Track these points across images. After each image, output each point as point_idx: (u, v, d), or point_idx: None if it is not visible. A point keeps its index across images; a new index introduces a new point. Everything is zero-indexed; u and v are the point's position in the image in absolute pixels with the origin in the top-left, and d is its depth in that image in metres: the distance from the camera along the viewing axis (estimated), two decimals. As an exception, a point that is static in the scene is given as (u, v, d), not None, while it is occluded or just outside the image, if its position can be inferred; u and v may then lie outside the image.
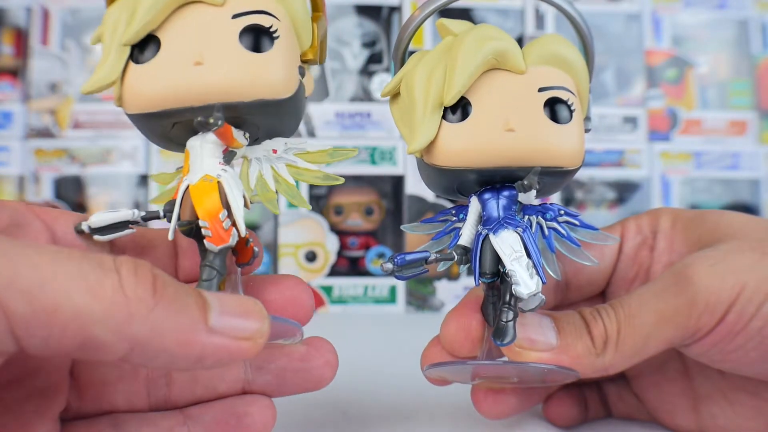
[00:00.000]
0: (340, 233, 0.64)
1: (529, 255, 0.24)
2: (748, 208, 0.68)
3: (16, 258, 0.16)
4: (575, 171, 0.25)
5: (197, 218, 0.22)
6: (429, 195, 0.64)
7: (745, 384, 0.25)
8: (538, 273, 0.24)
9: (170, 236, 0.22)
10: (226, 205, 0.22)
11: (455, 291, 0.64)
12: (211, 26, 0.22)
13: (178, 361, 0.17)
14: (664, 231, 0.28)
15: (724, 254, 0.23)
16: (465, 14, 0.67)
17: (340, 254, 0.64)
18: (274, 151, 0.24)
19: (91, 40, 0.23)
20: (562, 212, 0.26)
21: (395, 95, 0.26)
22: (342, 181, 0.24)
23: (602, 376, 0.31)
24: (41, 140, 0.64)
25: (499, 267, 0.24)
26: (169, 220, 0.23)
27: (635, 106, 0.68)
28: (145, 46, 0.22)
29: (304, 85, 0.24)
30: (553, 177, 0.25)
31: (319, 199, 0.65)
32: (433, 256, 0.24)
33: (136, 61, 0.22)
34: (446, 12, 0.67)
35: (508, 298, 0.24)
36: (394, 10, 0.67)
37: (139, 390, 0.24)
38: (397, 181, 0.64)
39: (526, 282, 0.23)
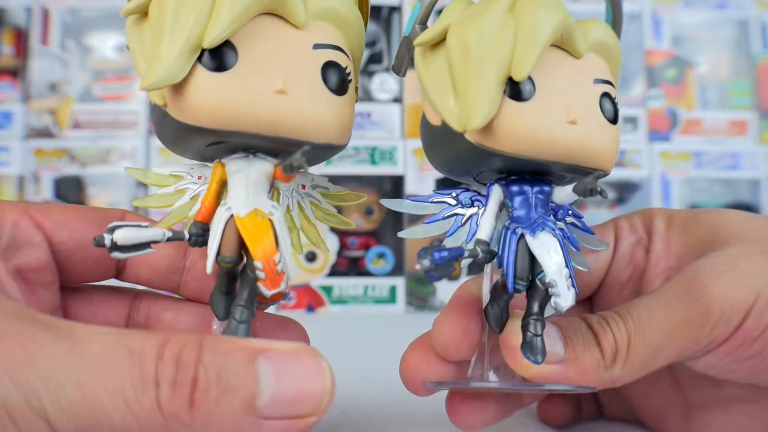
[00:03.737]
0: (340, 233, 0.64)
1: (566, 264, 0.22)
2: (748, 208, 0.68)
3: (61, 373, 0.16)
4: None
5: (240, 254, 0.20)
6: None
7: (745, 393, 0.25)
8: (573, 285, 0.22)
9: (209, 270, 0.20)
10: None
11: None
12: (292, 51, 0.21)
13: None
14: (659, 232, 0.27)
15: (733, 260, 0.23)
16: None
17: (340, 254, 0.64)
18: (303, 187, 0.24)
19: (124, 10, 0.20)
20: (570, 212, 0.24)
21: (428, 48, 0.22)
22: (354, 225, 0.24)
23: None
24: (41, 140, 0.64)
25: (532, 273, 0.22)
26: (195, 245, 0.21)
27: (635, 106, 0.68)
28: (218, 52, 0.20)
29: None
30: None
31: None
32: (466, 253, 0.21)
33: (208, 67, 0.19)
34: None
35: (537, 308, 0.22)
36: (394, 10, 0.67)
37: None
38: (397, 181, 0.64)
39: (565, 294, 0.21)
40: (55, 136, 0.64)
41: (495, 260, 0.22)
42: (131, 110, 0.65)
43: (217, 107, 0.19)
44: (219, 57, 0.20)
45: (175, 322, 0.24)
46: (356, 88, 0.23)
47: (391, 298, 0.63)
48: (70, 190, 0.64)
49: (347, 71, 0.21)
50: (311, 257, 0.63)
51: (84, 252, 0.23)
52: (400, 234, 0.24)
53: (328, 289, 0.63)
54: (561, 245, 0.22)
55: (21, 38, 0.66)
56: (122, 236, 0.20)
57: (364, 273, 0.64)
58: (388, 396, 0.34)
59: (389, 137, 0.64)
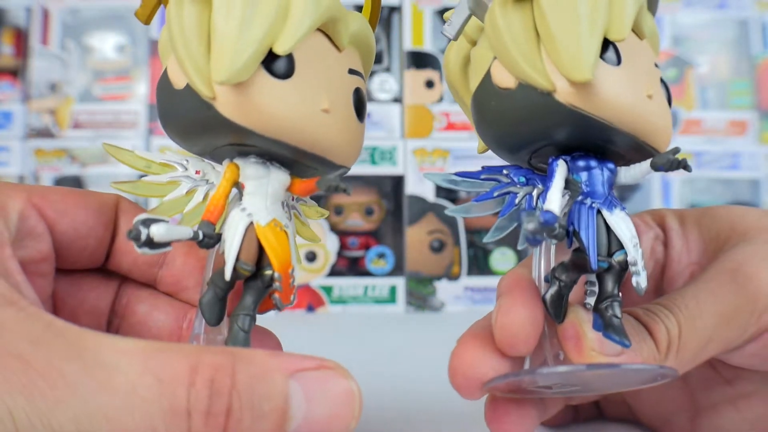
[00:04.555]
0: (340, 233, 0.64)
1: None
2: (748, 208, 0.68)
3: (91, 411, 0.15)
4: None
5: (255, 263, 0.20)
6: (429, 195, 0.64)
7: (759, 388, 0.25)
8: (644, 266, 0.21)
9: (227, 276, 0.20)
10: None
11: (455, 291, 0.64)
12: (334, 73, 0.21)
13: None
14: (674, 230, 0.27)
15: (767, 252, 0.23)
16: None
17: (340, 254, 0.64)
18: (293, 198, 0.24)
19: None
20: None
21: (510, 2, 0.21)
22: (318, 240, 0.25)
23: None
24: (41, 140, 0.64)
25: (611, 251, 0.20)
26: (205, 247, 0.20)
27: (635, 106, 0.68)
28: (283, 60, 0.20)
29: None
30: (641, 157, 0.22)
31: (319, 199, 0.65)
32: (561, 224, 0.20)
33: (272, 73, 0.19)
34: (447, 11, 0.67)
35: (614, 289, 0.20)
36: (394, 10, 0.67)
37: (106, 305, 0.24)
38: (397, 181, 0.64)
39: (643, 274, 0.20)
40: (55, 136, 0.64)
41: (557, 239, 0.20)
42: (131, 110, 0.65)
43: (273, 113, 0.19)
44: (284, 65, 0.20)
45: (147, 317, 0.24)
46: None
47: (391, 298, 0.63)
48: (70, 190, 0.64)
49: (365, 99, 0.22)
50: (311, 257, 0.63)
51: (83, 241, 0.23)
52: (447, 211, 0.23)
53: (328, 289, 0.63)
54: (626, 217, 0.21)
55: (21, 38, 0.66)
56: (158, 232, 0.19)
57: (364, 273, 0.64)
58: (388, 396, 0.34)
59: (389, 137, 0.64)
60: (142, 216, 0.19)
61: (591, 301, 0.21)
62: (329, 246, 0.64)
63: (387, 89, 0.66)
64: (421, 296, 0.64)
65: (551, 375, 0.21)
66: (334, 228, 0.64)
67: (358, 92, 0.22)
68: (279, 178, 0.21)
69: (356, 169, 0.65)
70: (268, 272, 0.20)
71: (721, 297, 0.22)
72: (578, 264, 0.21)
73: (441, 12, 0.67)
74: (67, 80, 0.65)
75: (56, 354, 0.16)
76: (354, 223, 0.64)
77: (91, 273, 0.25)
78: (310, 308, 0.63)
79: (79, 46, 0.66)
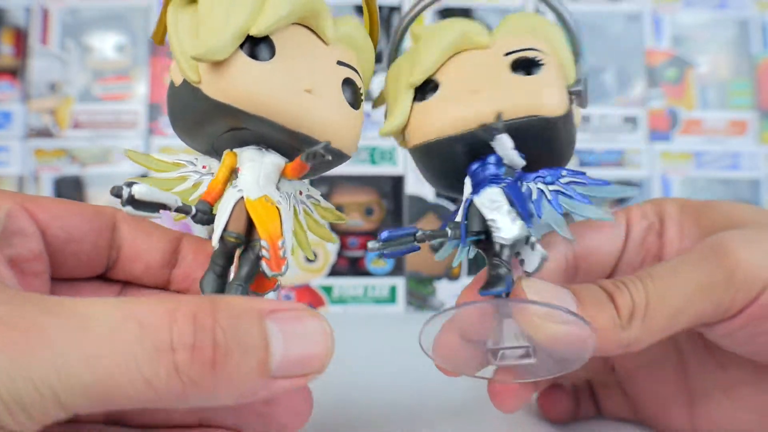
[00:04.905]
0: (340, 233, 0.64)
1: (512, 204, 0.23)
2: (748, 208, 0.68)
3: (70, 356, 0.16)
4: (558, 122, 0.24)
5: (246, 233, 0.21)
6: (429, 195, 0.64)
7: (751, 377, 0.25)
8: (523, 218, 0.23)
9: (215, 243, 0.21)
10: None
11: (455, 291, 0.64)
12: (320, 61, 0.23)
13: (233, 405, 0.17)
14: (672, 217, 0.27)
15: (758, 233, 0.23)
16: (465, 14, 0.67)
17: (340, 254, 0.64)
18: (300, 193, 0.25)
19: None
20: (564, 173, 0.25)
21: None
22: (336, 241, 0.25)
23: (593, 376, 0.31)
24: (41, 140, 0.64)
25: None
26: (199, 222, 0.22)
27: (635, 106, 0.68)
28: (260, 43, 0.22)
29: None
30: (535, 131, 0.24)
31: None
32: (421, 232, 0.23)
33: (249, 54, 0.22)
34: (447, 12, 0.67)
35: (498, 248, 0.23)
36: (394, 10, 0.67)
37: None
38: (397, 181, 0.64)
39: (507, 226, 0.23)
40: (55, 136, 0.64)
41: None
42: (131, 110, 0.65)
43: (253, 90, 0.21)
44: (260, 48, 0.22)
45: None
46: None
47: (391, 298, 0.63)
48: (70, 190, 0.64)
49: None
50: (311, 257, 0.63)
51: (76, 245, 0.23)
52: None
53: (328, 289, 0.63)
54: (511, 191, 0.24)
55: (21, 38, 0.66)
56: (139, 191, 0.20)
57: (364, 273, 0.64)
58: (388, 396, 0.34)
59: (389, 137, 0.64)
60: (129, 179, 0.20)
61: (527, 268, 0.24)
62: (329, 246, 0.64)
63: (387, 89, 0.66)
64: (421, 296, 0.64)
65: (478, 306, 0.24)
66: (334, 228, 0.64)
67: (349, 82, 0.24)
68: (273, 161, 0.22)
69: (356, 169, 0.65)
70: (258, 242, 0.21)
71: (698, 269, 0.22)
72: (479, 247, 0.25)
73: (441, 12, 0.67)
74: (67, 80, 0.65)
75: (32, 310, 0.16)
76: (354, 223, 0.64)
77: (91, 279, 0.25)
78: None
79: (78, 45, 0.66)
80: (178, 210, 0.22)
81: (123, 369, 0.16)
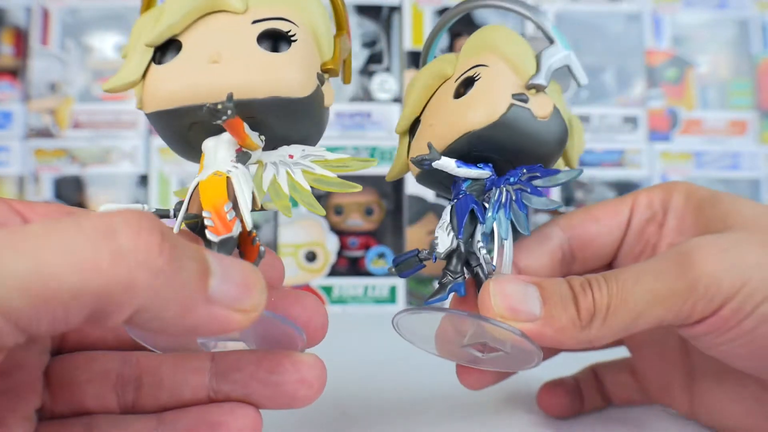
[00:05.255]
0: (340, 233, 0.64)
1: (451, 219, 0.25)
2: (748, 208, 0.68)
3: (2, 250, 0.15)
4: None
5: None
6: (429, 195, 0.64)
7: (733, 368, 0.25)
8: (455, 230, 0.25)
9: (176, 230, 0.22)
10: (233, 199, 0.22)
11: (455, 291, 0.64)
12: (230, 30, 0.23)
13: (172, 328, 0.17)
14: (675, 209, 0.27)
15: (732, 243, 0.23)
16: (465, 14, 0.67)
17: (340, 254, 0.64)
18: (291, 157, 0.24)
19: (121, 53, 0.25)
20: (524, 170, 0.26)
21: None
22: (359, 188, 0.23)
23: (588, 351, 0.31)
24: (41, 140, 0.64)
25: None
26: (175, 210, 0.23)
27: (635, 106, 0.68)
28: (166, 50, 0.23)
29: (323, 93, 0.24)
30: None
31: (319, 199, 0.65)
32: (421, 253, 0.26)
33: (157, 62, 0.23)
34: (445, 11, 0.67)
35: (447, 264, 0.26)
36: (394, 10, 0.67)
37: (108, 393, 0.23)
38: (397, 181, 0.64)
39: (443, 240, 0.25)
40: (55, 136, 0.64)
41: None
42: (131, 110, 0.65)
43: (162, 89, 0.23)
44: (164, 52, 0.23)
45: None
46: (345, 64, 0.26)
47: (391, 298, 0.63)
48: (70, 190, 0.64)
49: (290, 33, 0.23)
50: (311, 257, 0.63)
51: None
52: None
53: (328, 289, 0.63)
54: (458, 206, 0.25)
55: (21, 38, 0.66)
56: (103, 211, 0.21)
57: (364, 273, 0.64)
58: (388, 396, 0.34)
59: (389, 137, 0.64)
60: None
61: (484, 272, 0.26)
62: (329, 246, 0.64)
63: (387, 89, 0.66)
64: (421, 296, 0.64)
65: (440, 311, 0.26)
66: (334, 228, 0.64)
67: (267, 33, 0.23)
68: (225, 138, 0.23)
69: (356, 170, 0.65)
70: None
71: (661, 278, 0.23)
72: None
73: (441, 12, 0.67)
74: (67, 80, 0.65)
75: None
76: (354, 223, 0.64)
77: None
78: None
79: (78, 46, 0.66)
80: (156, 213, 0.23)
81: (62, 255, 0.15)
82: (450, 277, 0.26)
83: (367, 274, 0.64)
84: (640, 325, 0.23)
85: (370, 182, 0.65)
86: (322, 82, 0.24)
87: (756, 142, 0.68)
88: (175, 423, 0.22)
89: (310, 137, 0.25)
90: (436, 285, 0.26)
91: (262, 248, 0.22)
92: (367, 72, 0.66)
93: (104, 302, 0.15)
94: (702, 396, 0.27)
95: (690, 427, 0.29)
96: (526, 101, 0.25)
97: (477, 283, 0.26)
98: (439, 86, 0.28)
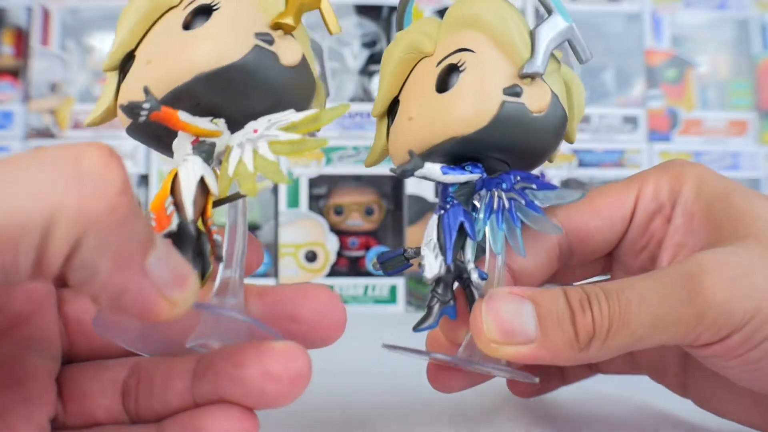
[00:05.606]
0: (340, 233, 0.64)
1: (440, 236, 0.23)
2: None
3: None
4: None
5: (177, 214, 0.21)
6: (429, 195, 0.64)
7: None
8: (443, 253, 0.23)
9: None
10: (178, 192, 0.21)
11: (455, 291, 0.64)
12: (164, 32, 0.22)
13: (100, 289, 0.16)
14: (684, 204, 0.25)
15: (744, 265, 0.21)
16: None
17: (340, 254, 0.64)
18: (255, 131, 0.22)
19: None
20: (518, 177, 0.24)
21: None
22: (326, 142, 0.21)
23: None
24: (41, 140, 0.64)
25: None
26: None
27: (635, 106, 0.68)
28: (126, 65, 0.23)
29: (275, 52, 0.22)
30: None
31: (319, 199, 0.65)
32: (407, 251, 0.25)
33: (119, 81, 0.23)
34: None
35: (434, 287, 0.24)
36: (394, 10, 0.67)
37: (116, 403, 0.22)
38: (397, 181, 0.64)
39: (430, 265, 0.23)
40: (55, 136, 0.64)
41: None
42: (131, 110, 0.65)
43: (122, 101, 0.23)
44: (124, 68, 0.23)
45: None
46: (322, 13, 0.23)
47: (391, 298, 0.63)
48: (71, 190, 0.64)
49: (212, 4, 0.22)
50: (311, 257, 0.63)
51: None
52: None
53: (328, 289, 0.63)
54: (446, 218, 0.23)
55: (21, 38, 0.66)
56: None
57: (364, 273, 0.64)
58: (387, 396, 0.34)
59: (389, 137, 0.64)
60: None
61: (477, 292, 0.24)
62: (329, 246, 0.64)
63: (387, 89, 0.66)
64: (421, 296, 0.64)
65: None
66: (334, 228, 0.64)
67: (192, 12, 0.22)
68: (180, 133, 0.22)
69: (356, 169, 0.65)
70: None
71: (666, 301, 0.21)
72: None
73: (441, 12, 0.67)
74: (67, 80, 0.65)
75: None
76: (354, 223, 0.64)
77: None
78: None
79: (79, 46, 0.66)
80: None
81: (15, 185, 0.15)
82: (438, 300, 0.24)
83: (367, 274, 0.64)
84: (641, 346, 0.22)
85: (370, 182, 0.65)
86: (269, 41, 0.22)
87: (756, 142, 0.68)
88: (168, 430, 0.21)
89: (279, 104, 0.22)
90: (426, 309, 0.24)
91: (217, 237, 0.21)
92: (367, 72, 0.66)
93: (48, 232, 0.15)
94: (696, 382, 0.26)
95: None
96: (519, 95, 0.23)
97: (468, 294, 0.24)
98: (418, 62, 0.25)
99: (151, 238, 0.17)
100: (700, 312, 0.21)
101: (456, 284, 0.24)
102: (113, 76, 0.24)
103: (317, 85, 0.25)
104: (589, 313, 0.21)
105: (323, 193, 0.65)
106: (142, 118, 0.20)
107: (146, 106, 0.20)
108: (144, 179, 0.64)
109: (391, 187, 0.65)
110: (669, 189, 0.25)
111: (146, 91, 0.20)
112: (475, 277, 0.23)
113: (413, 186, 0.63)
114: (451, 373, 0.27)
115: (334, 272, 0.63)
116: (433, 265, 0.23)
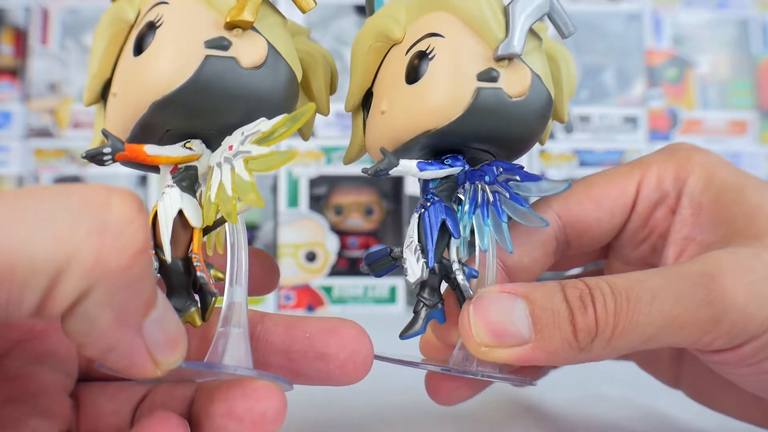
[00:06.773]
0: (340, 233, 0.64)
1: (419, 239, 0.22)
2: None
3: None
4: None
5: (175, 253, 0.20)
6: (429, 195, 0.64)
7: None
8: (425, 255, 0.22)
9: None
10: (158, 233, 0.20)
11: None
12: (127, 47, 0.21)
13: (91, 341, 0.16)
14: (691, 195, 0.23)
15: (765, 268, 0.20)
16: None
17: (340, 254, 0.64)
18: (230, 148, 0.20)
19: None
20: (501, 169, 0.22)
21: None
22: (295, 154, 0.19)
23: None
24: (41, 140, 0.64)
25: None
26: None
27: (635, 106, 0.68)
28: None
29: (233, 56, 0.20)
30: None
31: (319, 199, 0.65)
32: (394, 250, 0.23)
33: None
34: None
35: (421, 291, 0.22)
36: (394, 9, 0.67)
37: (127, 424, 0.22)
38: (397, 181, 0.64)
39: (413, 268, 0.22)
40: (54, 136, 0.64)
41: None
42: (131, 110, 0.65)
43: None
44: (105, 99, 0.22)
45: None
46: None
47: (391, 298, 0.63)
48: (70, 190, 0.64)
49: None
50: (311, 257, 0.63)
51: None
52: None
53: (327, 289, 0.63)
54: (426, 217, 0.22)
55: (21, 38, 0.66)
56: None
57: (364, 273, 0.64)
58: (388, 396, 0.34)
59: (389, 137, 0.64)
60: None
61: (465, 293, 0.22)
62: (329, 246, 0.64)
63: (387, 89, 0.66)
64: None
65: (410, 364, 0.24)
66: (334, 228, 0.64)
67: (137, 36, 0.20)
68: (162, 166, 0.21)
69: (356, 169, 0.65)
70: None
71: (681, 302, 0.19)
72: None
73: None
74: (67, 80, 0.65)
75: None
76: (354, 223, 0.64)
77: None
78: (310, 308, 0.63)
79: (78, 45, 0.66)
80: None
81: (35, 226, 0.14)
82: (424, 305, 0.22)
83: (368, 274, 0.64)
84: (648, 347, 0.20)
85: (370, 182, 0.65)
86: (223, 46, 0.19)
87: (756, 142, 0.68)
88: None
89: (253, 111, 0.20)
90: (414, 312, 0.23)
91: (201, 274, 0.20)
92: (367, 72, 0.66)
93: (58, 278, 0.14)
94: (691, 376, 0.26)
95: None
96: (496, 79, 0.21)
97: (459, 294, 0.22)
98: (389, 50, 0.23)
99: (154, 297, 0.17)
100: (717, 315, 0.19)
101: (446, 284, 0.23)
102: (99, 108, 0.22)
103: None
104: (591, 309, 0.20)
105: (323, 193, 0.65)
106: (107, 164, 0.19)
107: (107, 150, 0.19)
108: (143, 180, 0.64)
109: (391, 187, 0.65)
110: (674, 177, 0.24)
111: (104, 134, 0.19)
112: (461, 278, 0.22)
113: (413, 186, 0.63)
114: (451, 384, 0.25)
115: (334, 272, 0.63)
116: (415, 268, 0.22)
